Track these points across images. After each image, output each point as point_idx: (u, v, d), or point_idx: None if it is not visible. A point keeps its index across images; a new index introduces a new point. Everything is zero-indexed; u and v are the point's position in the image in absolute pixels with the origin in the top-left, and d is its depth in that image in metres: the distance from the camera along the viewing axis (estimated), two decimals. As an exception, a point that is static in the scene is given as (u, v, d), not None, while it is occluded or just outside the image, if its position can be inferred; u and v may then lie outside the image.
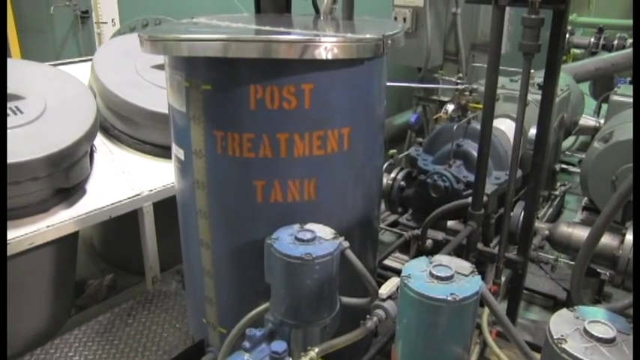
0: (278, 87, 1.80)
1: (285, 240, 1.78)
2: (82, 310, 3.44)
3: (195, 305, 2.35)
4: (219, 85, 1.86)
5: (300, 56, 1.77)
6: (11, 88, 2.85)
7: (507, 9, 2.40)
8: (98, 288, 3.65)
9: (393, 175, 3.58)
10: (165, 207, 3.00)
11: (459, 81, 4.14)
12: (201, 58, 1.83)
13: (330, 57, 1.79)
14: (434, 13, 4.64)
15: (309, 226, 1.87)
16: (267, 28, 2.10)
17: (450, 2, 4.77)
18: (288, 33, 1.96)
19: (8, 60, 3.21)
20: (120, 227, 3.37)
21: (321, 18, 2.44)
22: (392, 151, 3.74)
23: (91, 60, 3.55)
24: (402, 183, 3.54)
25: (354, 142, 1.99)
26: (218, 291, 2.17)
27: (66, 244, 2.97)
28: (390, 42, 1.93)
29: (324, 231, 1.85)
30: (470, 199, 2.77)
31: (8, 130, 2.63)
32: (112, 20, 5.48)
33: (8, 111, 2.76)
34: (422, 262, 1.61)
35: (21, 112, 2.75)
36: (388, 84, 2.22)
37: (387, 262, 3.28)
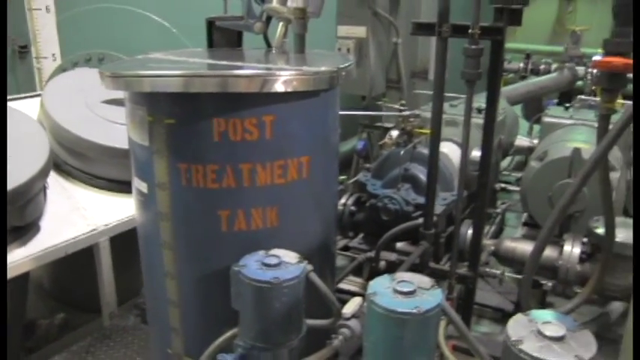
0: (240, 119, 1.88)
1: (253, 266, 1.85)
2: (32, 352, 3.35)
3: (160, 336, 2.36)
4: (183, 119, 1.92)
5: (260, 89, 1.86)
6: (-41, 127, 2.81)
7: (447, 39, 2.58)
8: (49, 328, 3.55)
9: (343, 200, 3.70)
10: (122, 241, 3.00)
11: (402, 107, 4.33)
12: (164, 93, 1.89)
13: (289, 89, 1.88)
14: (376, 43, 4.83)
15: (274, 251, 1.94)
16: (225, 62, 2.18)
17: (391, 32, 4.99)
18: (247, 67, 2.06)
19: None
20: (72, 264, 3.32)
21: (273, 52, 2.54)
22: (341, 177, 3.85)
23: (37, 96, 3.53)
24: (353, 208, 3.67)
25: (313, 170, 2.08)
26: (184, 320, 2.19)
27: (18, 284, 2.91)
28: (343, 74, 2.05)
29: (288, 256, 1.92)
30: (421, 220, 2.90)
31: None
32: (53, 55, 5.39)
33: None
34: (385, 279, 1.71)
35: (-27, 152, 2.71)
36: (344, 112, 2.33)
37: (341, 285, 3.37)
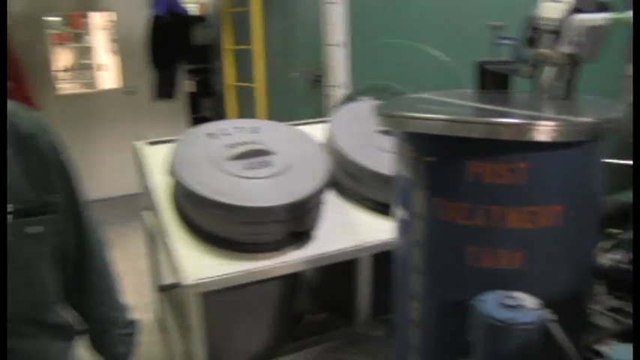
0: (495, 164, 1.99)
1: (491, 303, 1.92)
2: (296, 340, 3.87)
3: (401, 352, 2.57)
4: (441, 158, 2.11)
5: (517, 138, 1.94)
6: (265, 144, 3.47)
7: None
8: (312, 323, 4.06)
9: (617, 257, 3.43)
10: (380, 260, 3.31)
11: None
12: (427, 134, 2.11)
13: (546, 139, 1.92)
14: (670, 85, 4.37)
15: (516, 294, 1.98)
16: (489, 107, 2.31)
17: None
18: (507, 114, 2.15)
19: (265, 121, 3.86)
20: (337, 272, 3.75)
21: (540, 97, 2.56)
22: (617, 230, 3.58)
23: (323, 122, 4.10)
24: (625, 266, 3.38)
25: (566, 220, 2.07)
26: (423, 341, 2.37)
27: (292, 280, 3.43)
28: (608, 125, 2.01)
29: (529, 300, 1.95)
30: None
31: (260, 180, 3.22)
32: (343, 84, 6.10)
33: (262, 163, 3.34)
34: (630, 349, 1.62)
35: (272, 166, 3.34)
36: (618, 161, 2.25)
37: (603, 348, 3.14)
